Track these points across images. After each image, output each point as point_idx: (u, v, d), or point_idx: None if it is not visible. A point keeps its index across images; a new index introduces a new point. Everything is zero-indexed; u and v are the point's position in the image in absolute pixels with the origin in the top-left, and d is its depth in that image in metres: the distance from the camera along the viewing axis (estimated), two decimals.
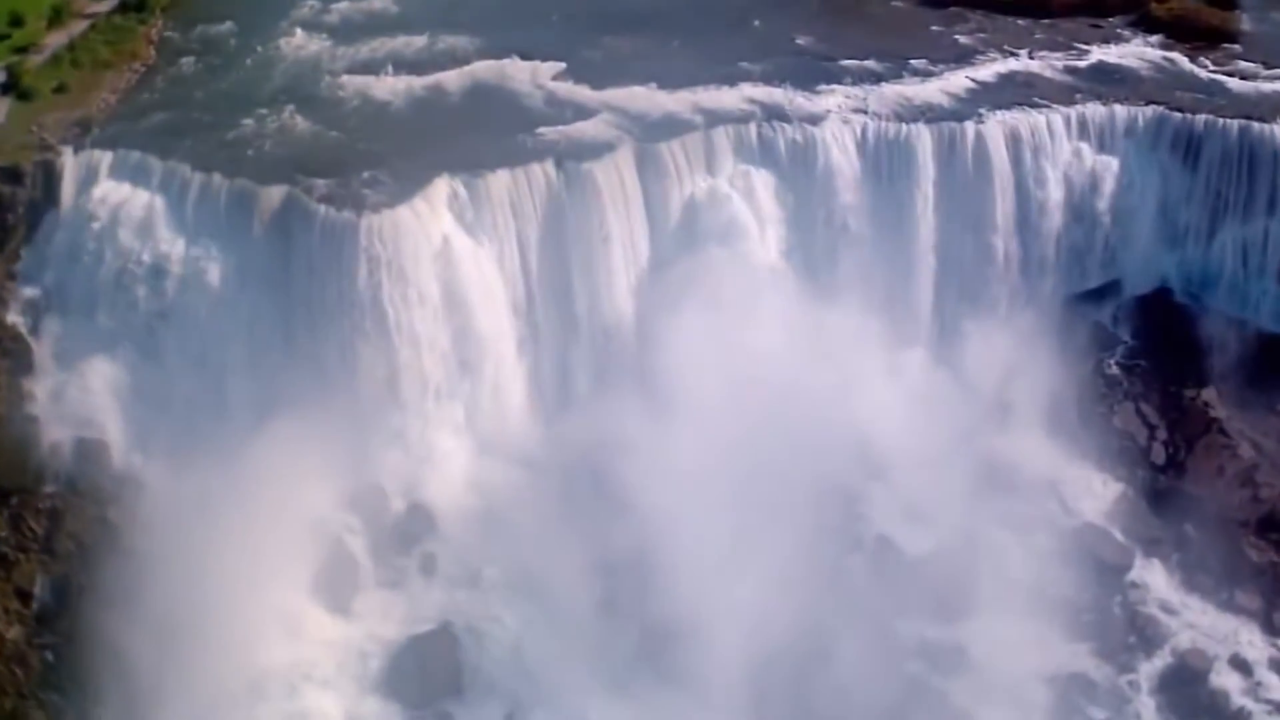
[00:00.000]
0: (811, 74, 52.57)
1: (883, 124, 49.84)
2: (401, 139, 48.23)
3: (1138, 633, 44.37)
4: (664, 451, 45.27)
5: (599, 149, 48.02)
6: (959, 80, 52.63)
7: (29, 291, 46.08)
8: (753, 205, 49.07)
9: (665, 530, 43.91)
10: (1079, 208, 50.72)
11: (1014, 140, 50.15)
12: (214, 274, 45.17)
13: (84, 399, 45.13)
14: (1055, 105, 50.94)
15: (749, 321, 47.59)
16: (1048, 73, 53.29)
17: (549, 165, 47.11)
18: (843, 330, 48.51)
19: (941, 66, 53.39)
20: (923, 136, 49.59)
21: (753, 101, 50.90)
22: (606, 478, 45.54)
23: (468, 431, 46.77)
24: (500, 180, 46.39)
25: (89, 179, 46.78)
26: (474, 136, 48.48)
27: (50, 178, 46.70)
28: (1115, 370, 49.93)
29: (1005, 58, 54.14)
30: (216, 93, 51.20)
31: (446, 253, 45.32)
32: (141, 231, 45.82)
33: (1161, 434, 48.41)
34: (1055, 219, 50.59)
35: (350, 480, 45.03)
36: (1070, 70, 53.47)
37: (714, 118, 49.98)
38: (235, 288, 45.31)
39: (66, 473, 43.97)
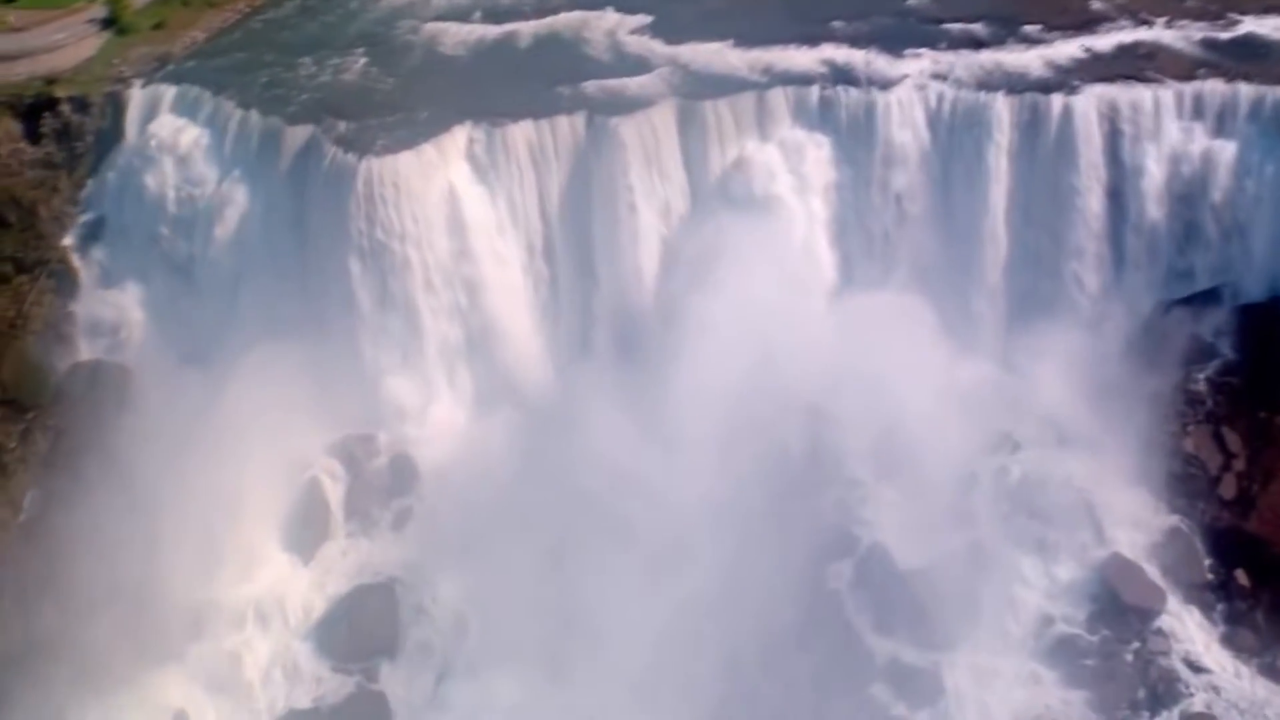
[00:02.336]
0: (906, 36, 48.56)
1: (958, 92, 45.40)
2: (445, 86, 48.06)
3: (1149, 688, 38.89)
4: (666, 426, 43.29)
5: (641, 105, 46.06)
6: (1069, 49, 47.23)
7: (85, 217, 48.69)
8: (801, 174, 45.87)
9: (646, 506, 41.97)
10: (1183, 199, 44.44)
11: (1109, 117, 44.48)
12: (242, 208, 46.45)
13: (114, 324, 47.29)
14: (1168, 80, 44.90)
15: (777, 300, 44.64)
16: (1178, 44, 46.97)
17: (577, 118, 45.59)
18: (883, 318, 44.81)
19: (1057, 33, 48.07)
20: (999, 108, 44.77)
21: (828, 63, 47.50)
22: (606, 448, 43.99)
23: (469, 388, 46.13)
24: (521, 131, 45.29)
25: (151, 112, 48.88)
26: (519, 86, 47.67)
27: (117, 110, 49.17)
28: (1201, 386, 43.52)
29: (1135, 26, 48.09)
30: (301, 35, 52.59)
31: (453, 201, 44.63)
32: (185, 164, 47.51)
33: (1239, 464, 41.97)
34: (1153, 210, 44.50)
35: (341, 426, 45.19)
36: (1208, 43, 46.90)
37: (779, 78, 47.00)
38: (260, 223, 46.39)
39: (81, 394, 46.03)
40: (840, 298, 45.80)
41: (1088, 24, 48.52)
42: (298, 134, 45.75)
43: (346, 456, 44.82)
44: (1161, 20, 48.29)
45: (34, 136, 48.91)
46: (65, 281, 47.77)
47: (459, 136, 45.15)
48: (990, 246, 45.53)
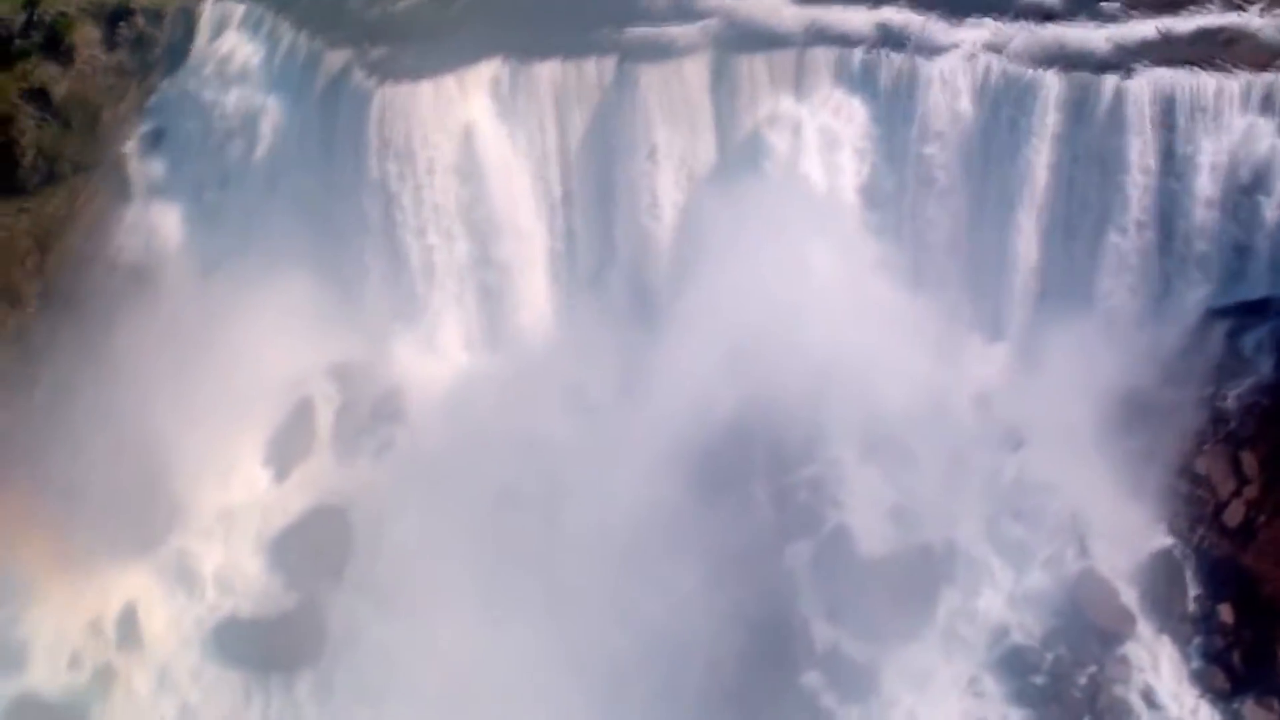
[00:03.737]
0: (973, 3, 45.48)
1: (1007, 66, 42.76)
2: (491, 20, 46.95)
3: (1094, 716, 36.10)
4: (657, 386, 42.45)
5: (675, 54, 44.85)
6: (1143, 29, 43.70)
7: (146, 126, 50.24)
8: (833, 138, 43.98)
9: (613, 463, 41.33)
10: (1240, 200, 40.78)
11: (1165, 104, 41.04)
12: (279, 129, 47.12)
13: (155, 231, 48.77)
14: (1238, 70, 41.26)
15: (793, 267, 43.02)
16: (1268, 32, 42.82)
17: (607, 62, 44.71)
18: (901, 295, 43.00)
19: (1136, 12, 44.46)
20: (1048, 86, 41.90)
21: (883, 26, 45.17)
22: (593, 403, 43.47)
23: (474, 329, 45.94)
24: (548, 70, 44.70)
25: (219, 28, 49.95)
26: (563, 25, 46.14)
27: (189, 23, 50.44)
28: (1229, 404, 39.97)
29: (1225, 10, 44.05)
30: None
31: (468, 138, 44.38)
32: (238, 81, 48.45)
33: (1251, 491, 38.48)
34: (1204, 209, 41.02)
35: (344, 350, 45.60)
36: None
37: (826, 37, 45.07)
38: (295, 145, 47.06)
39: (113, 292, 47.45)
40: (860, 270, 43.70)
41: (1174, 4, 44.65)
42: (335, 58, 46.04)
43: (342, 380, 45.20)
44: (1257, 5, 44.53)
45: (110, 44, 50.95)
46: (118, 185, 49.47)
47: (484, 71, 44.81)
48: (1024, 232, 42.72)
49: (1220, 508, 38.72)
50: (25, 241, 48.49)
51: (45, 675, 39.89)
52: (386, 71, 44.81)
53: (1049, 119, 41.95)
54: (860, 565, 39.18)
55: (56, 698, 39.53)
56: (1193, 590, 37.88)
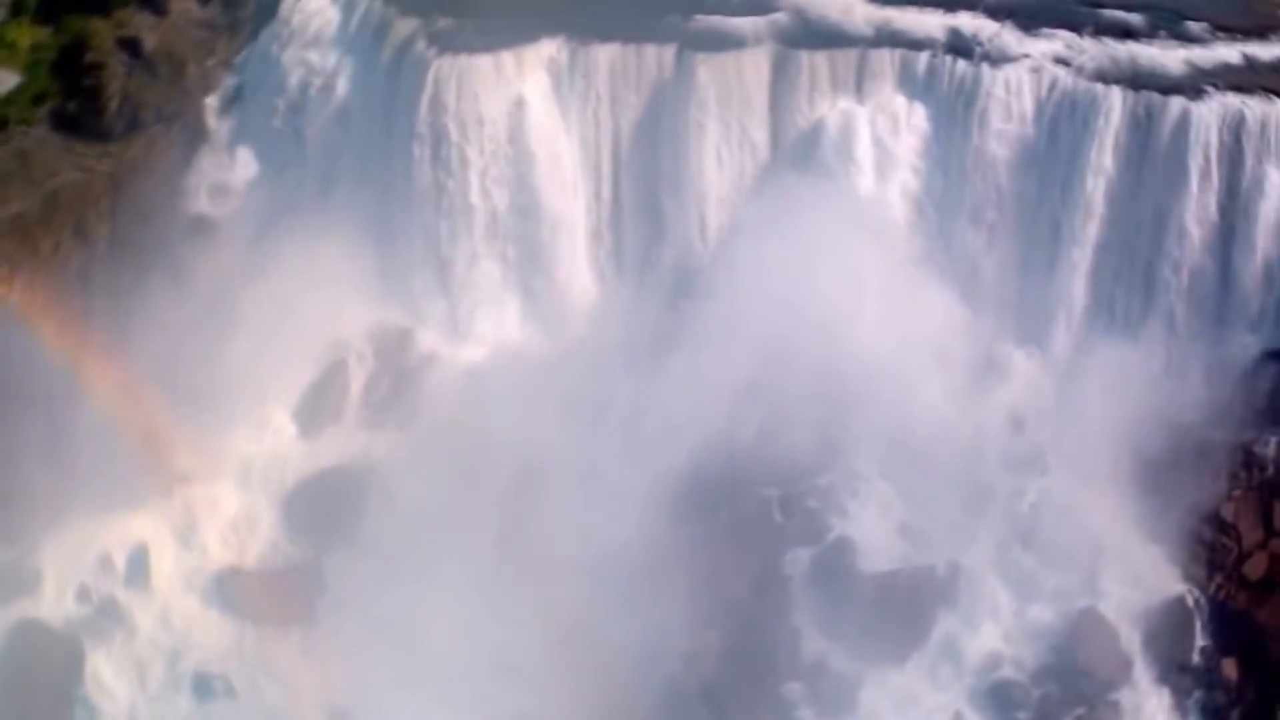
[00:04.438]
0: (1052, 14, 44.36)
1: (1074, 80, 41.22)
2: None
3: None
4: (687, 380, 41.83)
5: (737, 45, 44.18)
6: (1226, 53, 42.12)
7: (230, 82, 51.10)
8: (890, 142, 42.99)
9: (634, 454, 40.95)
10: None
11: (1233, 130, 39.42)
12: (346, 92, 47.53)
13: (226, 183, 49.54)
14: None
15: (838, 272, 42.04)
16: None
17: (667, 49, 44.26)
18: (945, 309, 41.91)
19: (1222, 35, 42.96)
20: (1111, 102, 40.43)
21: (955, 31, 44.08)
22: (622, 391, 43.06)
23: (514, 306, 45.78)
24: (606, 54, 44.41)
25: None
26: (635, 10, 46.04)
27: None
28: (1268, 451, 38.05)
29: None
30: None
31: (520, 113, 44.28)
32: (315, 43, 49.01)
33: (1277, 545, 36.39)
34: (1267, 243, 39.30)
35: (384, 318, 46.00)
36: None
37: (895, 39, 44.01)
38: (360, 109, 47.48)
39: (179, 239, 48.49)
40: (905, 279, 42.64)
41: (1264, 30, 43.09)
42: (404, 26, 46.33)
43: (379, 347, 45.58)
44: None
45: (204, 0, 52.29)
46: (196, 137, 50.40)
47: (543, 49, 44.68)
48: (1077, 252, 41.39)
49: (1243, 558, 36.90)
50: (101, 184, 49.62)
51: (52, 603, 40.88)
52: (447, 43, 45.02)
53: (1109, 137, 40.50)
54: (858, 579, 38.35)
55: (60, 626, 40.59)
56: (1200, 641, 36.25)
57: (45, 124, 49.57)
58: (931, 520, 39.23)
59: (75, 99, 49.33)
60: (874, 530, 39.08)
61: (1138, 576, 37.48)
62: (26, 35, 51.19)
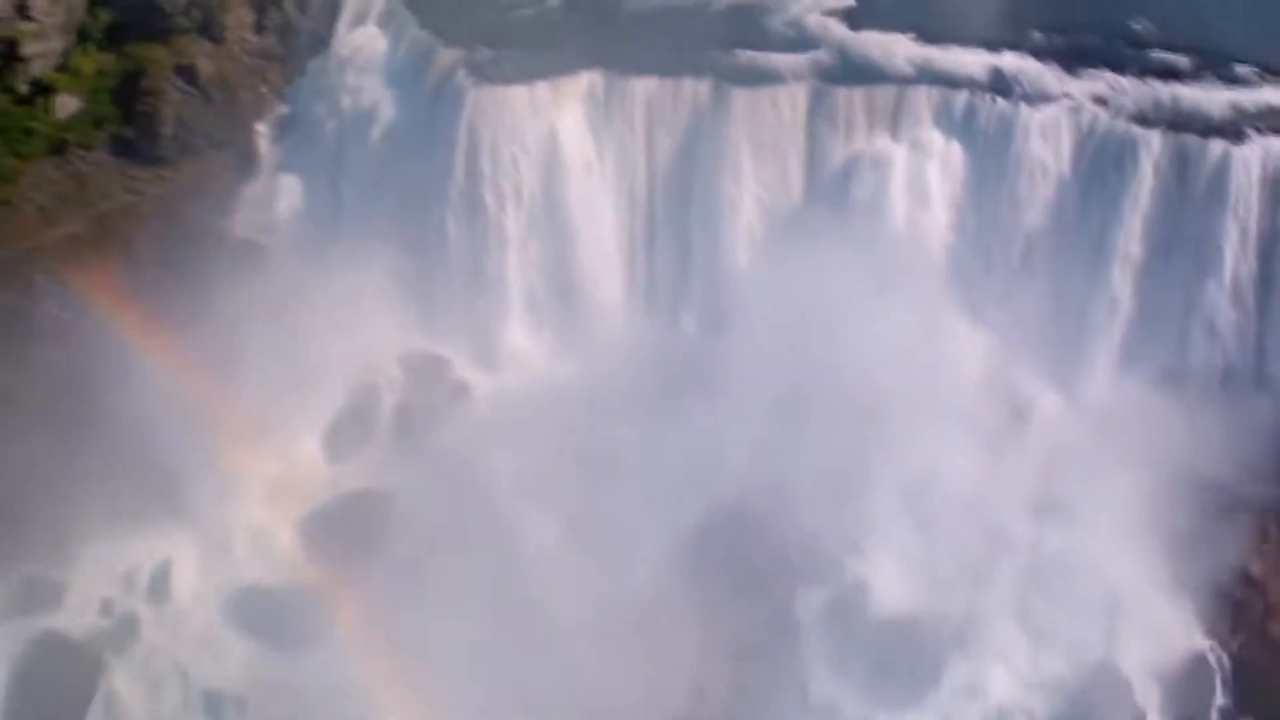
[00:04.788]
0: (1097, 55, 43.58)
1: (1112, 121, 40.51)
2: (611, 34, 46.78)
3: None
4: (712, 415, 41.57)
5: (775, 81, 43.99)
6: (1272, 95, 41.00)
7: (282, 110, 51.89)
8: (926, 181, 42.57)
9: (654, 484, 40.72)
10: None
11: (1274, 175, 38.31)
12: (393, 124, 47.94)
13: (273, 209, 50.30)
14: None
15: (868, 311, 41.57)
16: None
17: (703, 83, 44.22)
18: (977, 351, 41.31)
19: (1270, 79, 41.86)
20: (1150, 145, 39.77)
21: (995, 70, 43.47)
22: (645, 428, 42.82)
23: (546, 335, 45.96)
24: (643, 86, 44.47)
25: (359, 20, 51.21)
26: (679, 45, 45.62)
27: (333, 13, 51.94)
28: None
29: None
30: None
31: (555, 146, 44.46)
32: (365, 72, 49.66)
33: None
34: None
35: (417, 344, 46.30)
36: None
37: (934, 77, 43.55)
38: (403, 137, 47.76)
39: (224, 263, 49.15)
40: (937, 318, 42.20)
41: None
42: (447, 57, 46.84)
43: (412, 371, 45.95)
44: None
45: (259, 29, 53.10)
46: (245, 164, 51.21)
47: (581, 81, 44.92)
48: (1113, 297, 40.72)
49: (1267, 615, 35.79)
50: (152, 207, 50.89)
51: (75, 616, 41.42)
52: (485, 74, 45.45)
53: (1147, 180, 39.83)
54: (871, 620, 37.76)
55: (80, 638, 41.11)
56: (1220, 699, 35.20)
57: (103, 148, 50.79)
58: (949, 562, 38.58)
59: (132, 124, 50.49)
60: (890, 572, 38.50)
61: (1159, 631, 36.53)
62: (91, 62, 52.25)
